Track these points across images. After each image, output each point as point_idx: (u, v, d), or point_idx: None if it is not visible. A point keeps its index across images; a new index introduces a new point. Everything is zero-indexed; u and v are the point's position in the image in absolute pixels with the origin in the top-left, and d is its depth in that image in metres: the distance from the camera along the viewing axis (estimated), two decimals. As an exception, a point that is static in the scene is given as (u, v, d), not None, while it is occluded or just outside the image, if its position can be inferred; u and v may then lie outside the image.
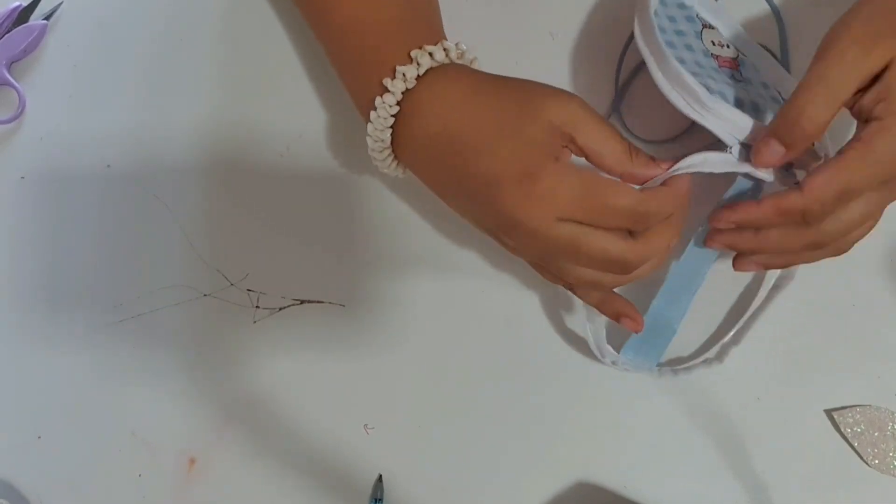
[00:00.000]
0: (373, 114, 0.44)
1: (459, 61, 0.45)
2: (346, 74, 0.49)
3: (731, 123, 0.42)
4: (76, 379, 0.53)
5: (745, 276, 0.52)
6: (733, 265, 0.45)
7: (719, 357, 0.50)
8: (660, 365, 0.51)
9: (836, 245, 0.43)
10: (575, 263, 0.42)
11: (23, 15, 0.56)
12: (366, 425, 0.52)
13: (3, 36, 0.55)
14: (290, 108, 0.55)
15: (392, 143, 0.46)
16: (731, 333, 0.51)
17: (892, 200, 0.42)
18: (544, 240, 0.40)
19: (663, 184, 0.41)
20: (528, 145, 0.39)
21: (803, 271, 0.52)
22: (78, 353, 0.53)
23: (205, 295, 0.53)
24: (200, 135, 0.55)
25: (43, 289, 0.54)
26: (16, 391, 0.53)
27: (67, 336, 0.53)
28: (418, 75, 0.43)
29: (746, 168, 0.42)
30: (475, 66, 0.46)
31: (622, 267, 0.41)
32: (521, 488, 0.51)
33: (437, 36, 0.46)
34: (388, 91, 0.44)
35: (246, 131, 0.55)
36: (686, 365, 0.51)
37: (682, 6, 0.49)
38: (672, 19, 0.48)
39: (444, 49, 0.44)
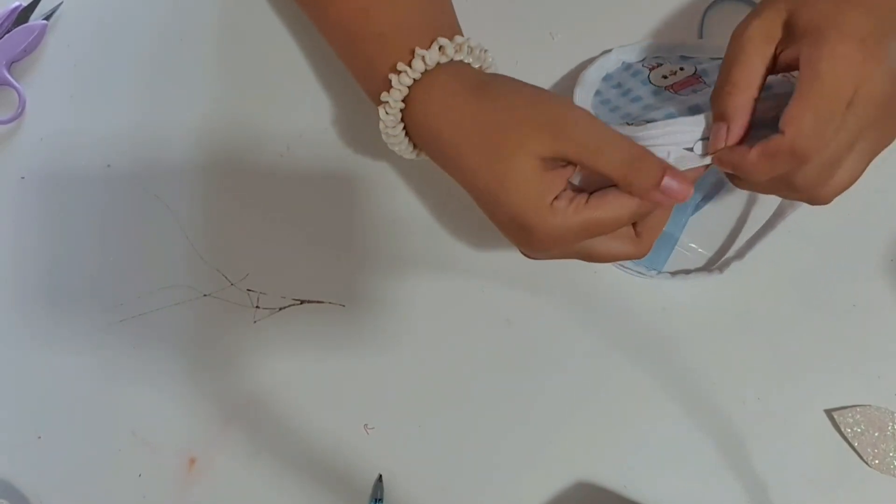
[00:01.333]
0: (381, 121, 0.45)
1: (459, 56, 0.44)
2: (352, 74, 0.49)
3: (681, 132, 0.42)
4: (76, 379, 0.53)
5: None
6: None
7: (721, 267, 0.52)
8: (661, 272, 0.52)
9: (819, 190, 0.41)
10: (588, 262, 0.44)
11: (23, 15, 0.56)
12: (366, 425, 0.52)
13: (3, 36, 0.55)
14: (290, 108, 0.55)
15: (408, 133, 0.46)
16: (735, 249, 0.53)
17: (871, 133, 0.40)
18: (556, 257, 0.43)
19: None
20: (519, 194, 0.40)
21: (803, 271, 0.52)
22: (78, 352, 0.53)
23: (205, 295, 0.53)
24: (200, 135, 0.55)
25: (43, 289, 0.54)
26: (16, 391, 0.53)
27: (68, 336, 0.53)
28: (411, 83, 0.43)
29: (704, 161, 0.42)
30: (482, 58, 0.46)
31: (632, 258, 0.43)
32: (521, 488, 0.51)
33: (435, 32, 0.45)
34: (387, 102, 0.44)
35: (246, 131, 0.55)
36: (685, 270, 0.52)
37: (627, 67, 0.52)
38: (618, 85, 0.51)
39: (440, 47, 0.44)
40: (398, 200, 0.54)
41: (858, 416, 0.50)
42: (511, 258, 0.52)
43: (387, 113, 0.44)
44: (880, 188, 0.52)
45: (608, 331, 0.52)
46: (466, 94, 0.42)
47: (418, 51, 0.43)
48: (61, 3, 0.56)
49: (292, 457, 0.51)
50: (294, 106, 0.55)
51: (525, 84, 0.43)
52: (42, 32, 0.56)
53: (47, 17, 0.56)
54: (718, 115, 0.41)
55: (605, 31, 0.54)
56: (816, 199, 0.42)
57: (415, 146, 0.47)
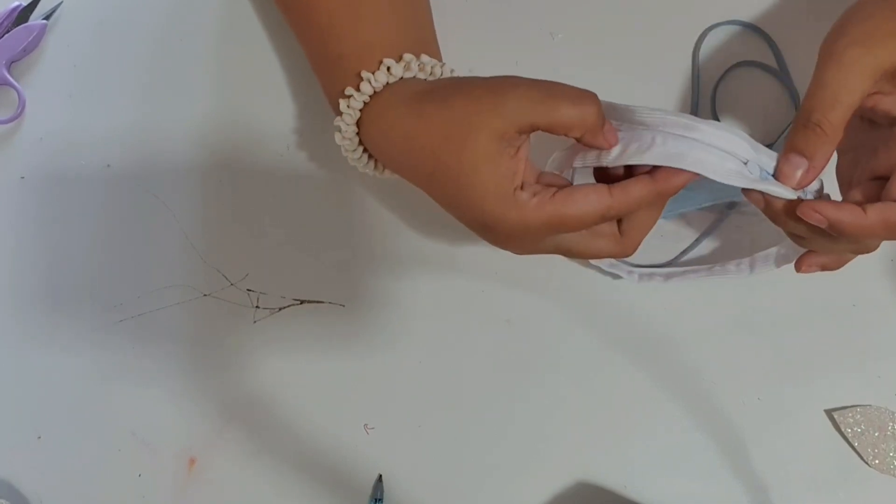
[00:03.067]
0: (336, 135, 0.45)
1: (409, 74, 0.43)
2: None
3: (739, 144, 0.38)
4: (76, 379, 0.53)
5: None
6: (798, 267, 0.43)
7: (641, 276, 0.51)
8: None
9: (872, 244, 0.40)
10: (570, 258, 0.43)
11: (22, 15, 0.56)
12: (366, 425, 0.52)
13: (2, 36, 0.55)
14: (290, 108, 0.55)
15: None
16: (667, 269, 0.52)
17: None
18: (531, 252, 0.41)
19: (651, 170, 0.39)
20: (479, 185, 0.38)
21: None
22: (78, 352, 0.53)
23: (205, 295, 0.53)
24: (201, 135, 0.55)
25: (43, 289, 0.54)
26: (16, 391, 0.53)
27: (68, 336, 0.53)
28: (361, 107, 0.43)
29: (763, 186, 0.38)
30: (436, 72, 0.44)
31: (616, 256, 0.42)
32: (522, 488, 0.51)
33: (397, 51, 0.44)
34: (339, 127, 0.44)
35: (246, 131, 0.55)
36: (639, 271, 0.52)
37: None
38: None
39: (388, 68, 0.43)
40: (398, 200, 0.54)
41: (859, 416, 0.50)
42: (511, 258, 0.52)
43: (343, 137, 0.44)
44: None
45: (608, 331, 0.52)
46: (410, 107, 0.41)
47: (364, 73, 0.43)
48: (61, 2, 0.56)
49: (292, 457, 0.51)
50: (294, 106, 0.55)
51: (464, 77, 0.42)
52: (42, 32, 0.56)
53: (47, 17, 0.56)
54: (799, 150, 0.38)
55: (605, 31, 0.55)
56: (867, 251, 0.40)
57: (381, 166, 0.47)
